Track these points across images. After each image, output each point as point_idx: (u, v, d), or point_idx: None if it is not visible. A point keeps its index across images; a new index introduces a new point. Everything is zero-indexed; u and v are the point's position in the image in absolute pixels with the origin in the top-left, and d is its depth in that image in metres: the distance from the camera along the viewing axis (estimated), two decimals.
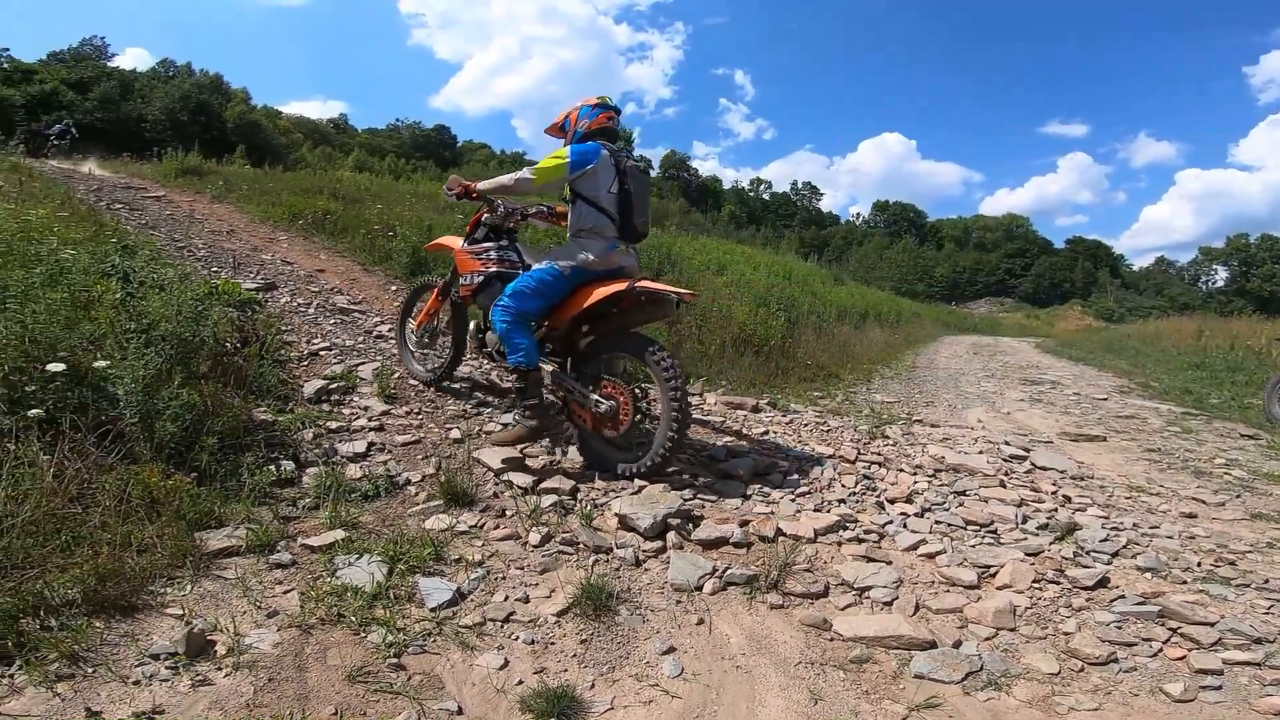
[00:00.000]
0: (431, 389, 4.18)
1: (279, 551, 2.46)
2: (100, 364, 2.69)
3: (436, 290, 4.16)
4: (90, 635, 1.89)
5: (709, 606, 2.46)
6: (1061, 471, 4.12)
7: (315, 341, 4.55)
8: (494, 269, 3.62)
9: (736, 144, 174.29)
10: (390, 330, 5.05)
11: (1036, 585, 2.61)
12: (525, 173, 3.32)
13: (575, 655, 2.15)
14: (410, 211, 9.52)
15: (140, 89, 44.59)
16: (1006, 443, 4.71)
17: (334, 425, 3.49)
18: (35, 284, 2.91)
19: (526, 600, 2.40)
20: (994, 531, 3.12)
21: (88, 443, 2.45)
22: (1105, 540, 3.01)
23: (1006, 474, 3.97)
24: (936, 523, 3.19)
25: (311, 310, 5.19)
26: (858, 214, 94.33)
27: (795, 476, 3.66)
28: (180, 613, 2.08)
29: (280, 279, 5.81)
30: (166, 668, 1.84)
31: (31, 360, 2.56)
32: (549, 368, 3.45)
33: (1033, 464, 4.23)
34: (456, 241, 3.92)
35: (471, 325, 3.85)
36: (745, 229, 49.03)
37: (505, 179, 3.42)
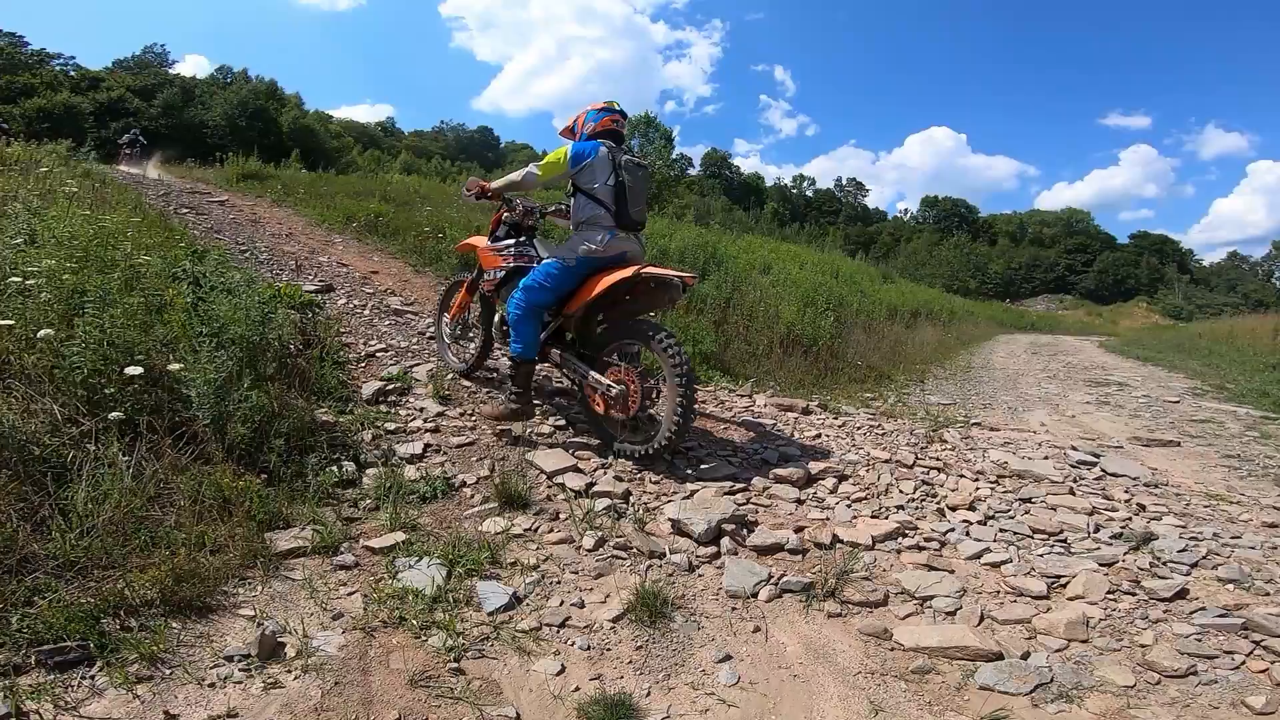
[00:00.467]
0: (484, 390, 4.23)
1: (342, 553, 2.51)
2: (174, 367, 2.79)
3: (465, 286, 4.38)
4: (168, 636, 1.94)
5: (765, 614, 2.43)
6: (1134, 478, 3.93)
7: (372, 343, 4.65)
8: (514, 264, 3.83)
9: (778, 140, 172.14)
10: None
11: (1111, 596, 2.54)
12: (531, 168, 3.58)
13: (631, 662, 2.14)
14: (459, 213, 9.67)
15: (200, 95, 46.60)
16: (1073, 448, 4.51)
17: (391, 426, 3.56)
18: (113, 289, 3.03)
19: (582, 605, 2.40)
20: (1064, 541, 3.03)
21: (164, 444, 2.55)
22: (1183, 550, 2.89)
23: (1075, 481, 3.82)
24: (1001, 531, 3.11)
25: (367, 312, 5.31)
26: (905, 209, 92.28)
27: (850, 482, 3.62)
28: (252, 614, 2.13)
29: (337, 281, 5.96)
30: (240, 670, 1.89)
31: (110, 363, 2.66)
32: (559, 354, 3.64)
33: (1103, 470, 4.06)
34: (481, 240, 4.15)
35: (496, 318, 4.04)
36: (788, 226, 48.36)
37: (514, 176, 3.69)
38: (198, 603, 2.09)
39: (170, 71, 51.66)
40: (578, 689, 1.99)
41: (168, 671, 1.84)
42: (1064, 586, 2.63)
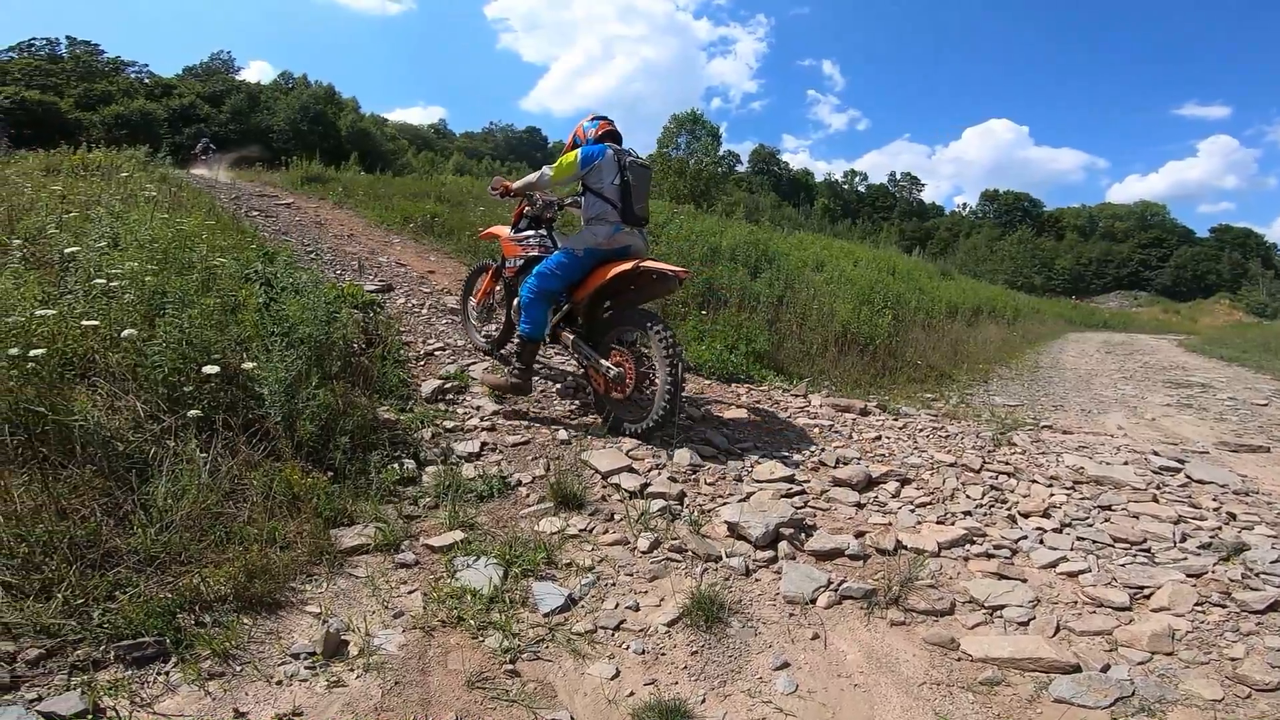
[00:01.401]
0: (539, 391, 4.27)
1: (403, 551, 2.55)
2: (249, 365, 2.88)
3: (490, 271, 4.71)
4: (239, 632, 2.00)
5: (824, 621, 2.38)
6: (1223, 486, 3.72)
7: (430, 342, 4.74)
8: (533, 253, 4.18)
9: (828, 136, 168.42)
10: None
11: (1199, 608, 2.44)
12: (546, 170, 3.95)
13: (686, 667, 2.11)
14: (510, 213, 9.78)
15: (265, 101, 48.68)
16: (1155, 453, 4.29)
17: (450, 425, 3.61)
18: (191, 290, 3.16)
19: (637, 608, 2.39)
20: (1147, 550, 2.92)
21: (238, 441, 2.64)
22: (1277, 561, 2.75)
23: (1159, 487, 3.65)
24: (1079, 539, 3.01)
25: (425, 311, 5.42)
26: (964, 204, 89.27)
27: (913, 486, 3.55)
28: (318, 611, 2.17)
29: (396, 281, 6.11)
30: (305, 668, 1.92)
31: (189, 362, 2.77)
32: (570, 336, 3.91)
33: (1188, 477, 3.86)
34: (504, 230, 4.55)
35: (515, 302, 4.26)
36: (840, 222, 47.35)
37: (532, 177, 4.07)
38: (267, 599, 2.14)
39: (236, 78, 54.20)
40: (632, 694, 1.97)
41: (238, 668, 1.89)
42: (1148, 598, 2.53)
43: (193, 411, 2.56)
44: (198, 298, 3.11)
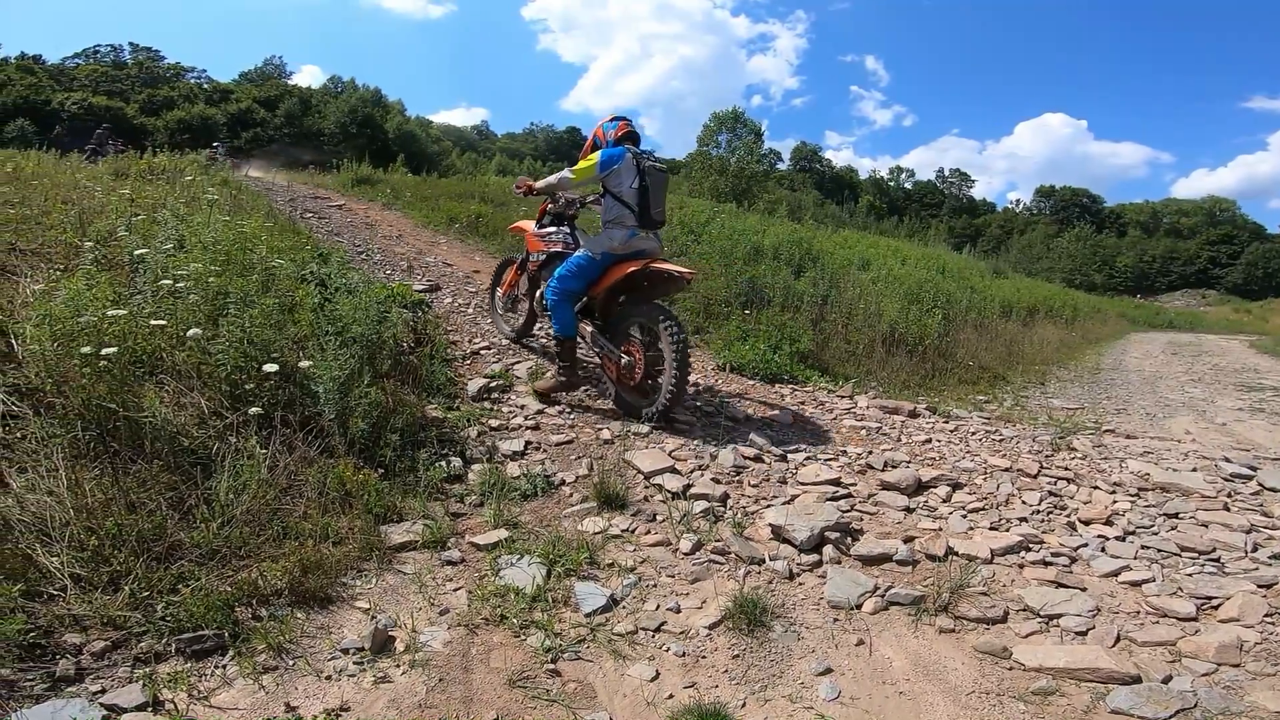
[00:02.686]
0: (581, 390, 4.29)
1: (450, 548, 2.59)
2: (305, 364, 2.97)
3: (515, 265, 4.95)
4: (293, 626, 2.05)
5: (869, 627, 2.34)
6: None
7: (476, 341, 4.81)
8: (556, 249, 4.40)
9: (872, 132, 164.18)
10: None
11: (1269, 619, 2.33)
12: (566, 172, 4.10)
13: (727, 671, 2.10)
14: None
15: (316, 105, 50.26)
16: (1226, 459, 4.08)
17: (495, 423, 3.66)
18: (252, 290, 3.28)
19: (678, 610, 2.38)
20: (1216, 560, 2.82)
21: (295, 438, 2.72)
22: None
23: (1229, 495, 3.50)
24: (1143, 548, 2.91)
25: (470, 310, 5.51)
26: (1017, 200, 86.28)
27: (965, 490, 3.47)
28: (367, 606, 2.22)
29: (443, 280, 6.22)
30: (354, 663, 1.97)
31: (250, 360, 2.87)
32: (589, 329, 4.14)
33: (1260, 484, 3.68)
34: (530, 225, 4.74)
35: (537, 293, 4.47)
36: (885, 220, 46.24)
37: (553, 179, 4.21)
38: (320, 594, 2.20)
39: (289, 82, 56.11)
40: (671, 696, 1.97)
41: (290, 662, 1.94)
42: (1216, 608, 2.43)
43: (254, 409, 2.65)
44: (258, 298, 3.21)
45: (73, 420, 2.35)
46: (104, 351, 2.49)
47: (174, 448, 2.42)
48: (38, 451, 2.23)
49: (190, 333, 2.87)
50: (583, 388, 4.27)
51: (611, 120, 4.14)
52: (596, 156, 3.88)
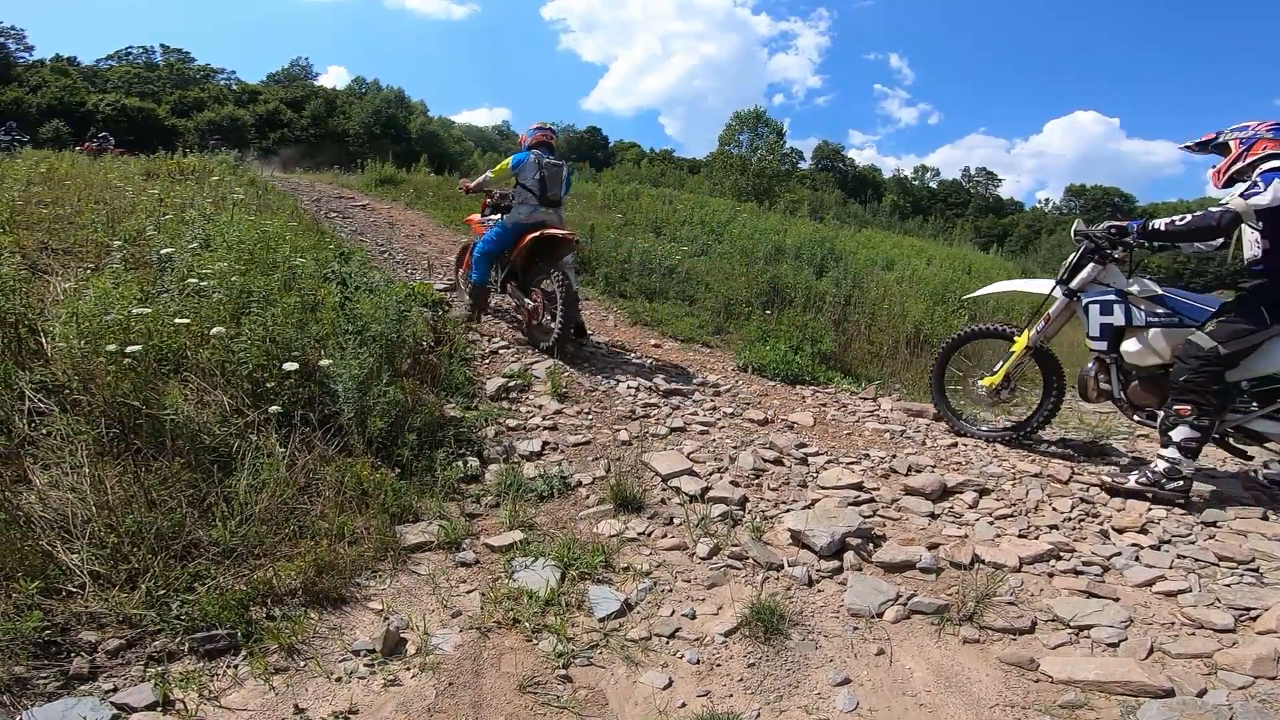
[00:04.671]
0: (601, 391, 4.28)
1: (464, 549, 2.58)
2: (325, 363, 2.98)
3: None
4: (306, 626, 2.05)
5: (890, 636, 2.27)
6: None
7: (494, 340, 4.82)
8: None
9: (896, 130, 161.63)
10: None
11: None
12: (487, 173, 5.42)
13: (741, 680, 2.05)
14: (571, 213, 9.88)
15: (341, 106, 50.91)
16: (1265, 466, 3.89)
17: (512, 423, 3.65)
18: (274, 289, 3.30)
19: (693, 616, 2.34)
20: (1256, 570, 2.69)
21: (314, 436, 2.73)
22: None
23: (1270, 503, 3.33)
24: (1179, 557, 2.79)
25: (489, 309, 5.51)
26: (1046, 199, 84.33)
27: (993, 497, 3.36)
28: (379, 608, 2.22)
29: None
30: (365, 665, 1.96)
31: (271, 358, 2.89)
32: (511, 285, 5.23)
33: None
34: (477, 216, 6.00)
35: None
36: (909, 219, 45.62)
37: (481, 178, 5.54)
38: (334, 594, 2.20)
39: (314, 83, 56.87)
40: (684, 705, 1.93)
41: (301, 663, 1.94)
42: (1254, 620, 2.35)
43: (274, 407, 2.66)
44: (280, 297, 3.24)
45: (97, 417, 2.38)
46: (129, 349, 2.52)
47: (195, 445, 2.44)
48: (62, 448, 2.26)
49: (214, 331, 2.90)
50: (600, 390, 4.26)
51: (533, 129, 5.30)
52: (509, 160, 5.13)
